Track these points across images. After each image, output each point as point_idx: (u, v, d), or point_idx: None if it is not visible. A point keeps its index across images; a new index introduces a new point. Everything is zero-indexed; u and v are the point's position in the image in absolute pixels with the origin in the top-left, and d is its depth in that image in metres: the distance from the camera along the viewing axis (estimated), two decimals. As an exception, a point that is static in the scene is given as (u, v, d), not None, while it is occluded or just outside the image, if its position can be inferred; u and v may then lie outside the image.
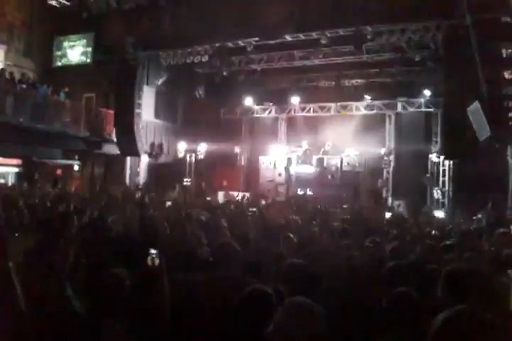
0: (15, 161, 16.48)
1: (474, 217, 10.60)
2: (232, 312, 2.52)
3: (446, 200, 16.60)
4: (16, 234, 4.67)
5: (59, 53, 19.29)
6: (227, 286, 3.11)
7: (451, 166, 16.47)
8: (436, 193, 16.69)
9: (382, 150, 18.20)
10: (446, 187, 16.72)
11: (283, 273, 3.52)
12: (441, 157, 16.49)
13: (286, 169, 18.38)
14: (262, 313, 2.32)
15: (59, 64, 19.41)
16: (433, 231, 6.93)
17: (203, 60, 16.49)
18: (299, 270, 3.49)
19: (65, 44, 19.20)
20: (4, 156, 15.90)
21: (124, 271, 3.02)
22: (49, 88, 16.19)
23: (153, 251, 2.89)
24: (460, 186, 15.95)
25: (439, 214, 14.51)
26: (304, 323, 1.97)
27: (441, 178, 16.91)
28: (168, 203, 9.06)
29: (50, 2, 16.08)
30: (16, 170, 16.69)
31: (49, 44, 19.23)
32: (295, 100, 19.55)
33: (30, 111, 14.94)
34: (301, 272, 3.47)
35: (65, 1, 15.92)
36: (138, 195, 12.54)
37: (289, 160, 18.47)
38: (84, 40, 18.77)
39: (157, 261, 2.87)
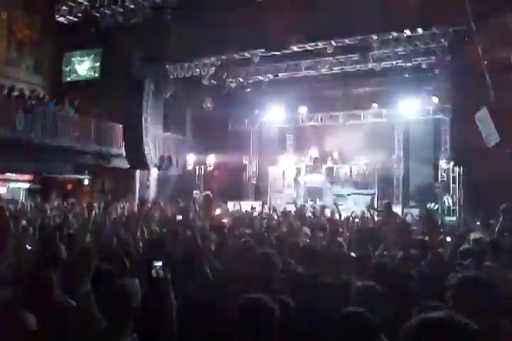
0: (26, 177, 16.63)
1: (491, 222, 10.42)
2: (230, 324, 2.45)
3: (457, 207, 16.40)
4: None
5: (68, 69, 19.57)
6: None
7: (461, 173, 16.33)
8: (447, 200, 16.52)
9: (391, 158, 18.12)
10: (457, 194, 16.55)
11: (291, 284, 3.51)
12: (451, 163, 16.39)
13: (295, 179, 18.35)
14: (260, 325, 2.29)
15: (68, 79, 19.68)
16: (448, 238, 6.79)
17: (210, 72, 16.61)
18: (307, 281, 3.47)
19: (74, 59, 19.48)
20: (16, 172, 16.06)
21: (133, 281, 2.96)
22: (58, 104, 16.34)
23: (157, 263, 2.88)
24: (470, 193, 15.80)
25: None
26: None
27: (451, 185, 16.76)
28: (179, 217, 8.93)
29: (58, 19, 16.26)
30: (27, 186, 16.83)
31: (58, 60, 19.50)
32: (302, 110, 19.57)
33: (40, 127, 15.11)
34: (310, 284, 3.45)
35: (73, 18, 16.09)
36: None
37: (298, 170, 18.44)
38: (93, 56, 19.04)
39: (161, 273, 2.86)
